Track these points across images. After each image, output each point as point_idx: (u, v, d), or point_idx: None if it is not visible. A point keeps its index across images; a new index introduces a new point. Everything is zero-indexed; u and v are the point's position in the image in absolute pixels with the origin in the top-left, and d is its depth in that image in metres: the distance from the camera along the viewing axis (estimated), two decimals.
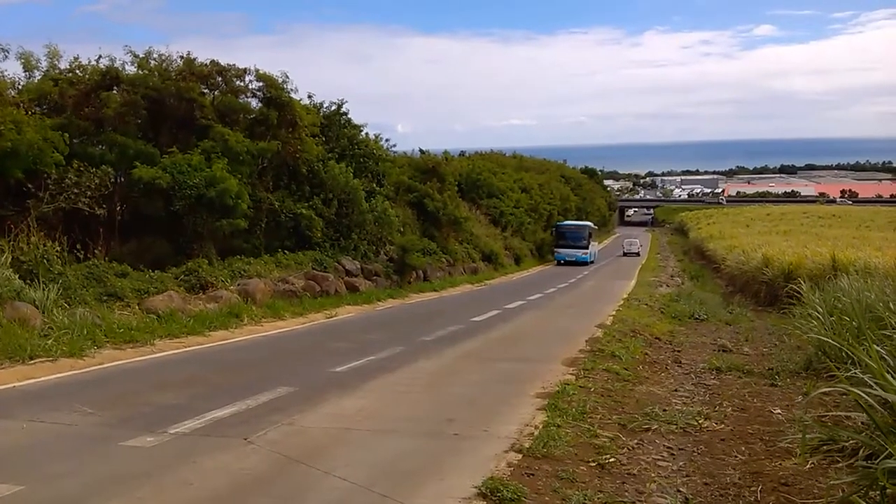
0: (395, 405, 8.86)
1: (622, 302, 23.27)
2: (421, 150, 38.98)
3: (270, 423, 7.58)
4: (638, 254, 66.90)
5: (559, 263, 49.46)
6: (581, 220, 63.57)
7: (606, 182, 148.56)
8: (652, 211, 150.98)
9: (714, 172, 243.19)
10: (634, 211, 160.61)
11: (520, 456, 6.67)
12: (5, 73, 16.01)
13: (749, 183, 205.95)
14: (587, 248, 51.12)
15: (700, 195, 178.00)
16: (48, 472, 5.97)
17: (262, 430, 7.29)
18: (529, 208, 53.79)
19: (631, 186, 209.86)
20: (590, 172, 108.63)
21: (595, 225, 63.87)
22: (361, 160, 26.15)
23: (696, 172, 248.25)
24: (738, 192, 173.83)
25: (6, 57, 15.56)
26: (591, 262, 51.68)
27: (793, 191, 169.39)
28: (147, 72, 20.14)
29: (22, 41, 26.17)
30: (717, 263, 39.28)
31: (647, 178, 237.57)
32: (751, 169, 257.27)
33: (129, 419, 7.73)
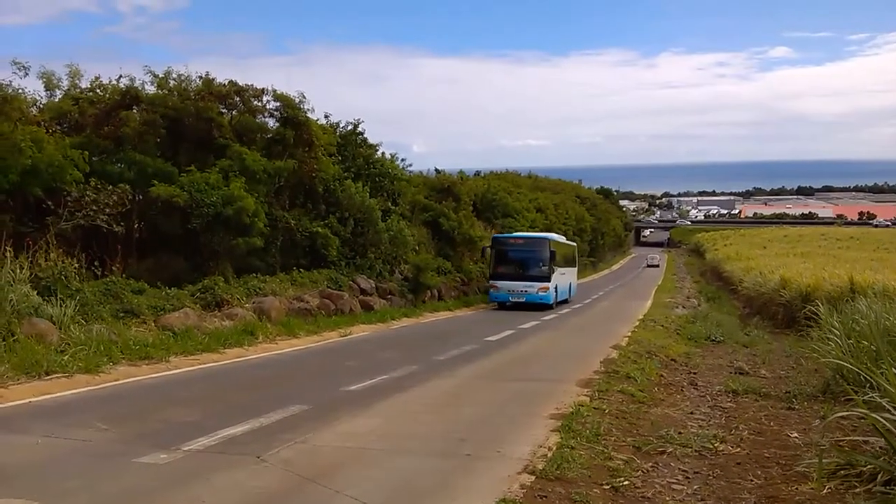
0: (409, 424, 8.83)
1: (637, 323, 23.12)
2: (436, 170, 39.18)
3: (283, 441, 7.57)
4: (658, 265, 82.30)
5: (502, 306, 29.06)
6: (597, 241, 55.71)
7: (622, 202, 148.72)
8: (668, 231, 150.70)
9: (731, 193, 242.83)
10: (651, 231, 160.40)
11: (533, 477, 6.61)
12: (27, 92, 16.28)
13: (766, 204, 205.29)
14: (548, 278, 28.88)
15: (716, 216, 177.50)
16: (62, 488, 5.99)
17: (275, 448, 7.29)
18: (545, 228, 53.67)
19: (647, 207, 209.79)
20: (605, 193, 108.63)
21: (569, 241, 40.89)
22: (377, 179, 26.29)
23: (713, 193, 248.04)
24: (755, 214, 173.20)
25: (27, 75, 15.81)
26: (566, 302, 32.42)
27: (810, 212, 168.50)
28: (166, 91, 20.39)
29: (43, 60, 26.55)
30: (734, 285, 39.10)
31: (664, 199, 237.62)
32: (767, 190, 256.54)
33: (143, 436, 7.75)
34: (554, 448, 7.52)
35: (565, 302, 32.29)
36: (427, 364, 13.60)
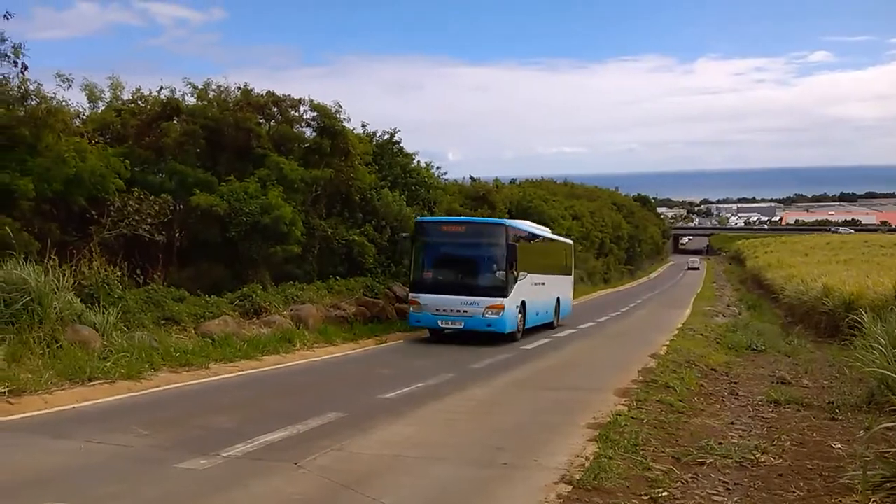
0: (445, 432, 8.83)
1: (676, 332, 22.83)
2: (472, 178, 39.19)
3: (320, 448, 7.62)
4: (698, 269, 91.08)
5: (438, 333, 18.94)
6: (634, 249, 56.70)
7: (660, 210, 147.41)
8: (707, 239, 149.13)
9: (771, 200, 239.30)
10: (689, 239, 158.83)
11: (570, 487, 6.56)
12: (70, 103, 16.61)
13: (808, 211, 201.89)
14: (503, 290, 18.17)
15: (757, 223, 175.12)
16: (103, 493, 6.09)
17: (312, 454, 7.33)
18: (581, 236, 53.31)
19: (685, 214, 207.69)
20: (642, 200, 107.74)
21: (557, 234, 29.93)
22: (413, 188, 26.36)
23: (753, 200, 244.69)
24: (796, 221, 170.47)
25: (70, 87, 16.13)
26: (549, 326, 22.67)
27: (853, 219, 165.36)
28: (206, 102, 20.69)
29: (86, 72, 27.10)
30: (776, 293, 38.39)
31: (702, 206, 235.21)
32: (809, 197, 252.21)
33: (183, 441, 7.86)
34: (591, 458, 7.46)
35: (548, 327, 22.50)
36: (462, 372, 13.60)
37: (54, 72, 15.83)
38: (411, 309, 18.64)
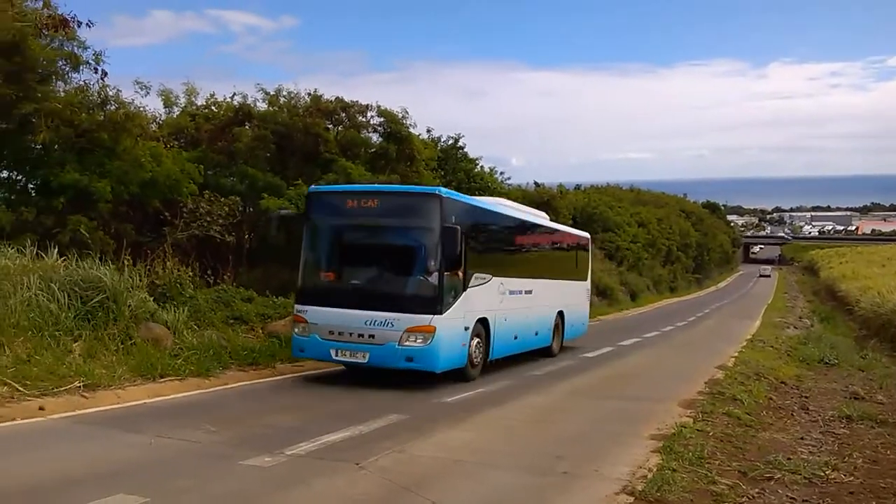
0: (504, 439, 8.82)
1: (745, 343, 22.28)
2: (535, 183, 39.03)
3: (382, 449, 7.69)
4: (769, 276, 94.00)
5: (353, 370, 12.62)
6: (703, 257, 54.33)
7: (730, 217, 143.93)
8: (779, 248, 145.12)
9: (847, 209, 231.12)
10: (761, 248, 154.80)
11: (632, 499, 6.47)
12: (147, 109, 17.17)
13: (885, 220, 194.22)
14: (433, 302, 11.39)
15: (832, 232, 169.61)
16: (172, 487, 6.27)
17: (373, 456, 7.40)
18: (647, 243, 52.55)
19: (756, 222, 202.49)
20: (711, 207, 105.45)
21: (541, 218, 18.38)
22: (477, 193, 26.39)
23: (828, 209, 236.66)
24: (872, 230, 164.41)
25: (148, 93, 16.73)
26: (545, 353, 16.49)
27: None
28: (276, 108, 21.12)
29: (163, 79, 28.08)
30: (850, 305, 37.13)
31: (775, 214, 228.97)
32: (887, 206, 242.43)
33: (248, 439, 8.03)
34: (654, 469, 7.34)
35: (544, 353, 16.62)
36: (523, 378, 13.55)
37: (133, 79, 16.45)
38: (295, 330, 12.35)
